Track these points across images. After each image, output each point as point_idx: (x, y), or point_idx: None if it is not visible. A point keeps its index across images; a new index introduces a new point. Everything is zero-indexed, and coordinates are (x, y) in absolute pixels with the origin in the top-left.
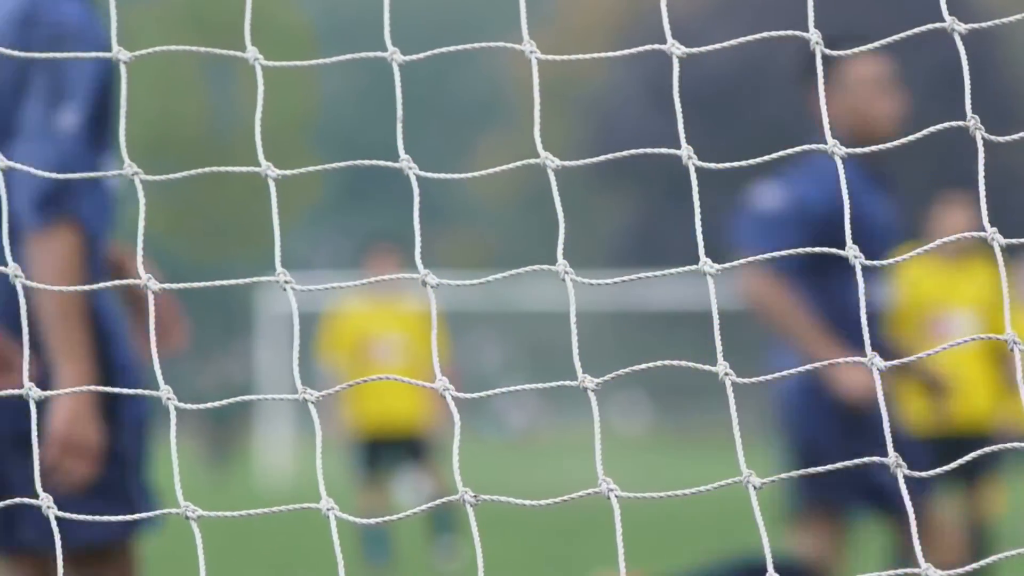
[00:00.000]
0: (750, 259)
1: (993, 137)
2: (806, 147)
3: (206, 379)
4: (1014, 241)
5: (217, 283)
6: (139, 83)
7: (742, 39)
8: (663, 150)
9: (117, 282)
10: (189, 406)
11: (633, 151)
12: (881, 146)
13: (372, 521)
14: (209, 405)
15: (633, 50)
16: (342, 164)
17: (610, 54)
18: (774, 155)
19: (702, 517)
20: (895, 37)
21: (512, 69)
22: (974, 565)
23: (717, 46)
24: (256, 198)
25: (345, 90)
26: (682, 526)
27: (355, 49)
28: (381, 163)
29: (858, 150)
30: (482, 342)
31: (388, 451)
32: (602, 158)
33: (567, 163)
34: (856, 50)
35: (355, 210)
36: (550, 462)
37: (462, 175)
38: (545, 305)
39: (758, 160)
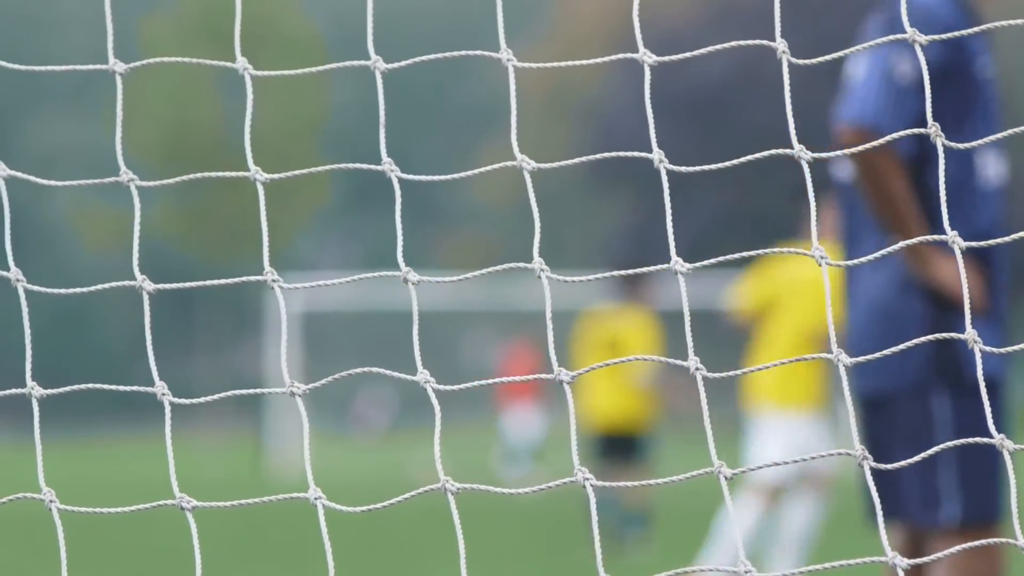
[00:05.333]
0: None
1: (955, 144)
2: (772, 152)
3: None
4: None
5: (208, 283)
6: (157, 92)
7: (711, 48)
8: (636, 154)
9: (115, 283)
10: (183, 400)
11: (607, 154)
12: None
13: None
14: (202, 400)
15: (607, 58)
16: (330, 167)
17: (584, 62)
18: (745, 158)
19: (695, 509)
20: (869, 44)
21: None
22: (944, 552)
23: (687, 55)
24: (268, 202)
25: (353, 99)
26: (678, 519)
27: (363, 60)
28: (364, 166)
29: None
30: (483, 341)
31: (608, 446)
32: (577, 160)
33: (542, 165)
34: (830, 57)
35: (362, 213)
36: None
37: (445, 177)
38: (540, 304)
39: (730, 163)
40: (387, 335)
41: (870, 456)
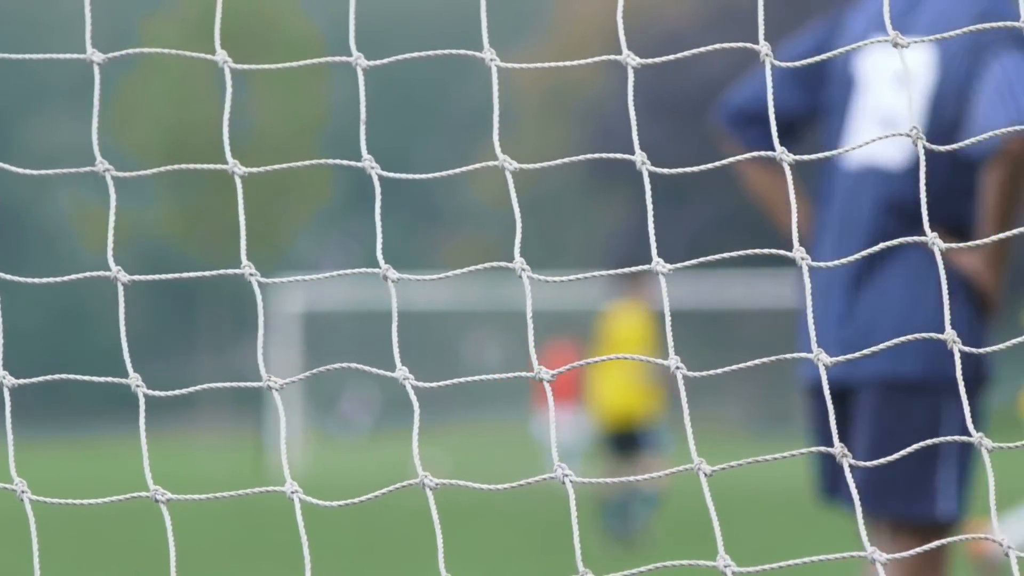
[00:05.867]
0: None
1: (935, 147)
2: (754, 154)
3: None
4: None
5: (193, 275)
6: (156, 91)
7: (700, 50)
8: (621, 156)
9: (91, 273)
10: (158, 394)
11: (592, 155)
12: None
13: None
14: (173, 393)
15: (592, 60)
16: (310, 163)
17: (573, 62)
18: (727, 160)
19: (692, 507)
20: (855, 45)
21: (511, 78)
22: (922, 548)
23: (670, 57)
24: (268, 202)
25: (353, 99)
26: (687, 514)
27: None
28: (343, 162)
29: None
30: (483, 341)
31: (615, 442)
32: (560, 161)
33: (524, 166)
34: (834, 53)
35: (363, 213)
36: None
37: (430, 175)
38: (545, 304)
39: (719, 164)
40: (387, 335)
41: (850, 455)
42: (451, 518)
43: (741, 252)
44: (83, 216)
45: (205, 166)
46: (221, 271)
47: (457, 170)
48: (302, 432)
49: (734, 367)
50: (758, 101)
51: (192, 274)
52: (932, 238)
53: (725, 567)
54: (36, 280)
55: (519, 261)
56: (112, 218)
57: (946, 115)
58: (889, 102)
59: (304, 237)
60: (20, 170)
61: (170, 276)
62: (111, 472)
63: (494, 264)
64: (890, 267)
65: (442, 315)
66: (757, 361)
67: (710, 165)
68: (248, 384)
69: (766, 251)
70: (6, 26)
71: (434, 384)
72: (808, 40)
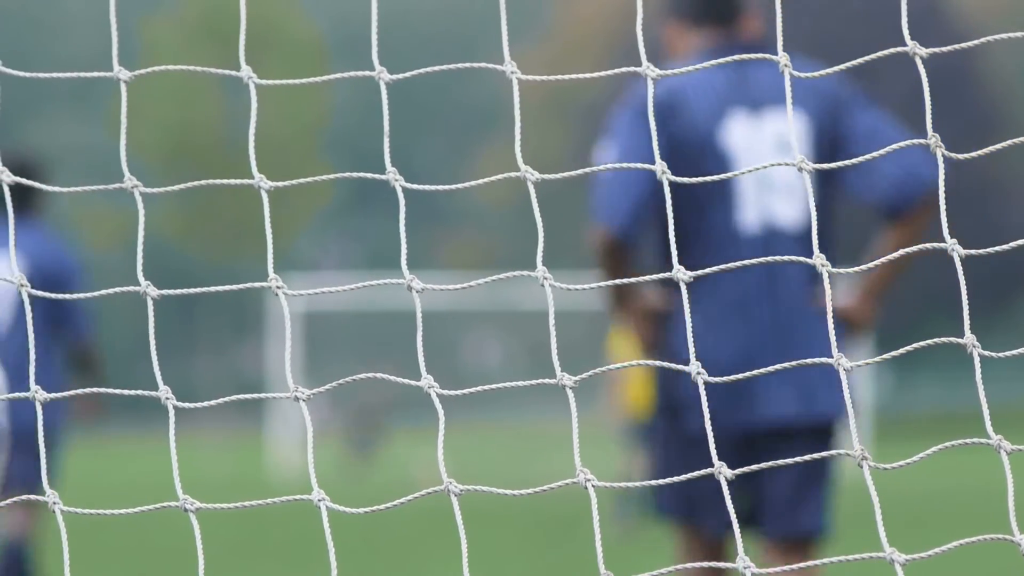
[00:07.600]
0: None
1: (953, 155)
2: (776, 163)
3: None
4: (974, 252)
5: (212, 289)
6: (157, 93)
7: (715, 62)
8: (639, 165)
9: (118, 289)
10: (187, 404)
11: (613, 166)
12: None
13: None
14: (205, 404)
15: (611, 72)
16: (334, 176)
17: (592, 75)
18: (741, 172)
19: None
20: (867, 58)
21: (511, 79)
22: (940, 548)
23: (689, 68)
24: (270, 202)
25: (354, 100)
26: None
27: (364, 62)
28: (368, 175)
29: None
30: (483, 341)
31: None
32: (579, 172)
33: (546, 176)
34: (829, 70)
35: (363, 214)
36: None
37: (450, 187)
38: (544, 305)
39: (728, 175)
40: (388, 335)
41: (869, 457)
42: (451, 517)
43: (754, 261)
44: (85, 216)
45: (230, 181)
46: (248, 284)
47: (477, 181)
48: (301, 432)
49: (749, 374)
50: (644, 207)
51: (219, 287)
52: (952, 244)
53: (745, 568)
54: (70, 296)
55: (541, 269)
56: (141, 233)
57: (822, 171)
58: (778, 168)
59: (304, 237)
60: (48, 187)
61: (197, 290)
62: (114, 473)
63: (516, 273)
64: (813, 316)
65: (441, 315)
66: (770, 368)
67: (725, 176)
68: (277, 395)
69: (780, 259)
70: (9, 27)
71: (459, 391)
72: (643, 129)
